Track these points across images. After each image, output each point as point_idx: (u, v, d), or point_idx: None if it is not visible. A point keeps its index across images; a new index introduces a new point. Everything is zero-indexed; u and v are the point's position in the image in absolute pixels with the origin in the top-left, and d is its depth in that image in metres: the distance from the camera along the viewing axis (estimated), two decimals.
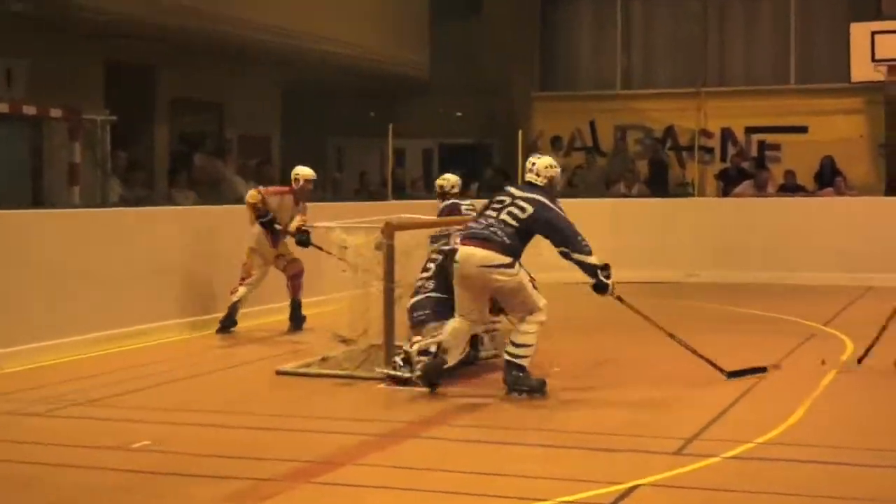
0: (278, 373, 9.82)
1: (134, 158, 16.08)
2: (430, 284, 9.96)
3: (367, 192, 19.32)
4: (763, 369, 9.58)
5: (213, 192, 16.37)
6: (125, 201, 14.38)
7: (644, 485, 6.28)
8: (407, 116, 20.22)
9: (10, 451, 7.33)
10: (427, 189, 19.92)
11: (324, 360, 10.05)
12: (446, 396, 8.84)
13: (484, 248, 8.63)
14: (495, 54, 21.89)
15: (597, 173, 21.22)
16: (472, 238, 8.76)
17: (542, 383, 8.82)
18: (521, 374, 8.76)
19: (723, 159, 21.39)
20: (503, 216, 8.73)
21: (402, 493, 6.33)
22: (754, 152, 21.36)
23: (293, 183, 12.58)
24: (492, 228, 8.68)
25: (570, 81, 22.82)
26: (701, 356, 9.38)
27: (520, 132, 18.56)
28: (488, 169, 21.38)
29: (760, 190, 19.33)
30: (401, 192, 18.58)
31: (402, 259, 9.95)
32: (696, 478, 6.47)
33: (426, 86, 21.62)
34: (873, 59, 18.83)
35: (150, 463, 6.88)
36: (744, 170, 20.37)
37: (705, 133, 21.41)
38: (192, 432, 7.77)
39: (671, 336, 9.46)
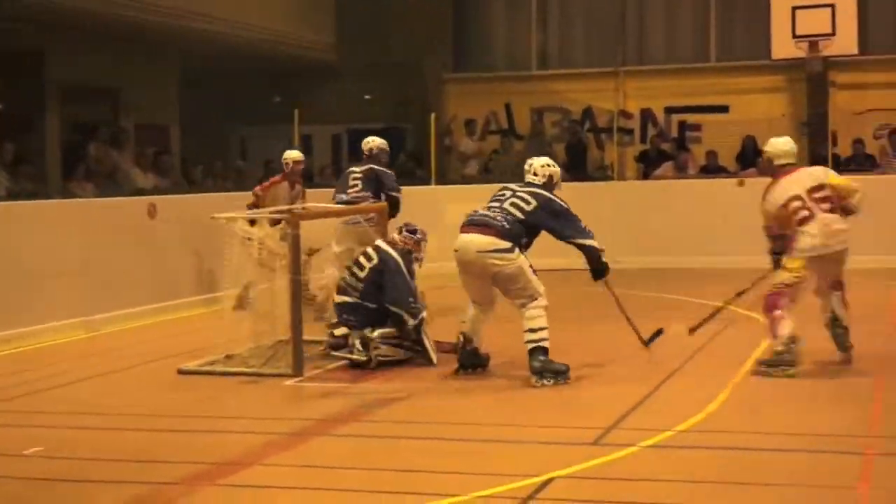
0: (180, 372, 9.58)
1: (23, 149, 15.35)
2: (361, 287, 9.72)
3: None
4: (660, 331, 9.87)
5: (110, 184, 15.73)
6: (13, 195, 13.69)
7: (560, 477, 6.27)
8: (314, 101, 19.81)
9: None
10: (337, 176, 19.29)
11: (228, 357, 9.75)
12: (357, 393, 8.75)
13: (483, 233, 8.77)
14: (405, 35, 21.37)
15: (514, 157, 20.64)
16: (470, 225, 8.90)
17: (567, 368, 8.88)
18: (546, 359, 8.79)
19: (643, 141, 21.02)
20: (506, 206, 8.91)
21: (313, 492, 6.20)
22: (675, 133, 21.04)
23: (284, 168, 13.18)
24: (491, 214, 8.87)
25: (484, 62, 22.27)
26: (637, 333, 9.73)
27: (432, 116, 18.11)
28: (401, 154, 20.77)
29: (681, 172, 19.08)
30: (309, 181, 17.89)
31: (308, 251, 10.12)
32: (612, 468, 6.46)
33: (334, 69, 21.13)
34: (794, 36, 18.61)
35: (44, 470, 6.71)
36: (664, 151, 20.13)
37: (624, 114, 21.03)
38: (89, 436, 7.57)
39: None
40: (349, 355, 9.52)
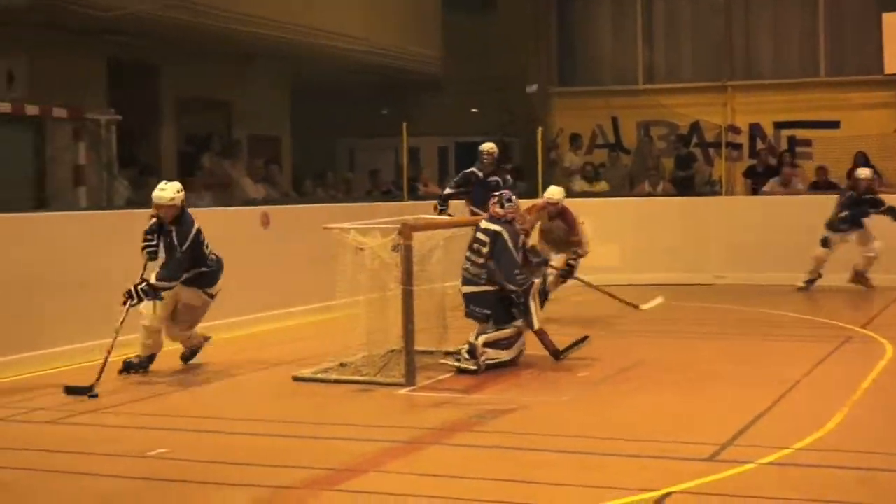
0: (295, 379, 9.72)
1: (140, 160, 15.77)
2: (483, 274, 9.97)
3: (379, 192, 18.80)
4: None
5: (226, 194, 16.04)
6: (132, 203, 13.97)
7: (677, 492, 6.16)
8: (420, 114, 19.83)
9: (10, 458, 7.26)
10: (442, 188, 19.41)
11: (342, 365, 9.90)
12: (470, 403, 8.78)
13: None
14: (511, 48, 21.44)
15: (620, 171, 20.64)
16: None
17: None
18: None
19: (751, 156, 20.76)
20: None
21: (427, 500, 6.20)
22: (784, 148, 20.69)
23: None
24: None
25: (590, 76, 22.27)
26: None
27: (539, 129, 18.11)
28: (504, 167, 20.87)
29: (786, 187, 18.72)
30: (415, 193, 18.07)
31: (419, 262, 9.87)
32: (730, 484, 6.34)
33: (440, 82, 21.23)
34: None
35: (165, 471, 6.82)
36: (773, 167, 19.80)
37: (733, 129, 20.87)
38: (208, 440, 7.78)
39: None
40: (458, 364, 9.74)
